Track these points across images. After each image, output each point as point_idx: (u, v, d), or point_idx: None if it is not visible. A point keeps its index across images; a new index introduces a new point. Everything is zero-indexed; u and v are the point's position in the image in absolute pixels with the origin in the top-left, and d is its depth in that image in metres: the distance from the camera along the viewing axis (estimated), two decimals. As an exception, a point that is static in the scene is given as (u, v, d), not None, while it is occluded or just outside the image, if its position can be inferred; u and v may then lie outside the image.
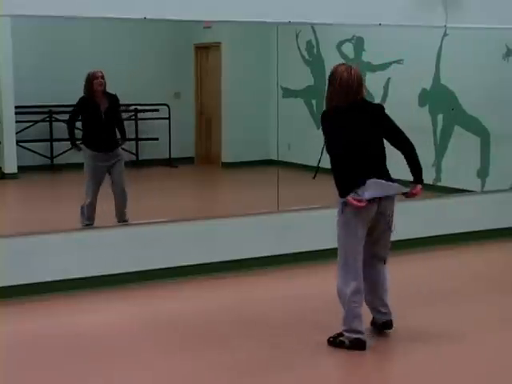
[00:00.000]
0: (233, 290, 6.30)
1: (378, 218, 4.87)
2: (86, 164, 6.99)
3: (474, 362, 4.78)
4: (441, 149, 8.91)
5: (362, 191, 4.72)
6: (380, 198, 4.80)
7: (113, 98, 7.05)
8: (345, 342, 4.89)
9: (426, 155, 8.83)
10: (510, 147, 8.40)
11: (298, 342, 5.06)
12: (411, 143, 4.96)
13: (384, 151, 4.93)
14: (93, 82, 6.86)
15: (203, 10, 6.36)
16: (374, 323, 5.19)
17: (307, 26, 8.63)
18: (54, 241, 6.13)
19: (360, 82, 4.86)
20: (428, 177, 8.63)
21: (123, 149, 7.42)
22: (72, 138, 7.14)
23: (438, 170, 8.88)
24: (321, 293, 6.02)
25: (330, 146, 4.88)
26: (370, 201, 4.74)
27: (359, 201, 4.70)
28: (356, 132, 4.83)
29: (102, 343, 5.09)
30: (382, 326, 5.13)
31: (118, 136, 7.18)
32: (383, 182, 4.81)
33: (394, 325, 5.13)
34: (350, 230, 4.83)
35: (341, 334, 4.93)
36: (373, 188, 4.75)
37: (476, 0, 7.48)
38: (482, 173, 8.57)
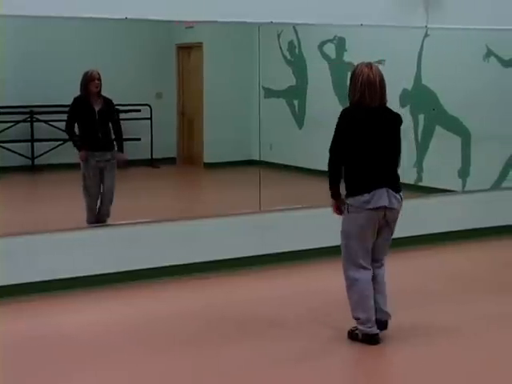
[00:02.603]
0: (216, 290, 6.30)
1: (382, 226, 4.97)
2: (83, 165, 6.97)
3: (463, 360, 4.82)
4: (422, 149, 8.94)
5: (368, 197, 4.82)
6: (385, 207, 4.88)
7: (108, 101, 7.00)
8: (358, 335, 4.99)
9: (407, 155, 8.91)
10: (491, 147, 8.46)
11: (284, 341, 5.07)
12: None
13: (397, 160, 5.03)
14: (89, 82, 6.83)
15: (185, 10, 6.36)
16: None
17: (289, 26, 8.62)
18: (41, 241, 6.13)
19: (383, 85, 4.94)
20: (409, 177, 8.77)
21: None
22: (73, 141, 7.12)
23: (420, 170, 8.92)
24: (305, 292, 6.05)
25: (345, 145, 4.89)
26: (376, 208, 4.85)
27: (340, 211, 4.95)
28: (375, 138, 4.90)
29: (87, 343, 5.10)
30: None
31: (113, 137, 7.15)
32: (390, 192, 4.89)
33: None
34: (353, 229, 4.92)
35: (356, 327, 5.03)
36: (378, 197, 4.84)
37: (457, 1, 7.53)
38: (463, 173, 8.62)
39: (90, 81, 6.84)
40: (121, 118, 9.53)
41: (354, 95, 4.92)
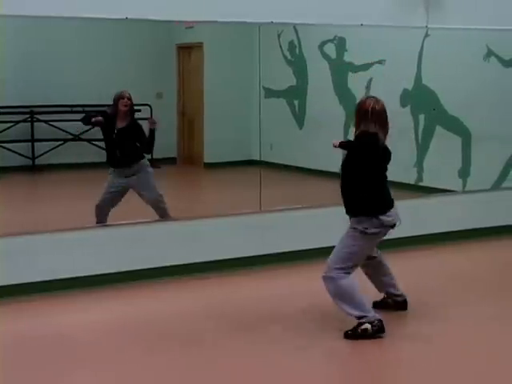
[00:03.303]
0: (216, 290, 6.30)
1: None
2: (109, 178, 6.96)
3: (463, 360, 4.81)
4: (422, 149, 8.94)
5: (390, 213, 5.16)
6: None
7: (134, 124, 6.94)
8: (367, 329, 5.05)
9: (407, 155, 8.92)
10: (491, 147, 8.46)
11: (285, 341, 5.07)
12: None
13: None
14: (119, 100, 6.83)
15: (185, 10, 6.36)
16: (384, 303, 5.63)
17: (289, 26, 8.63)
18: (41, 241, 6.13)
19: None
20: (410, 177, 8.77)
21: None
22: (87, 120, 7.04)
23: (420, 170, 8.92)
24: (305, 292, 6.05)
25: (372, 168, 5.16)
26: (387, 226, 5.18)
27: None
28: (384, 165, 5.24)
29: (87, 343, 5.10)
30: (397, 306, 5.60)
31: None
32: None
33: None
34: (362, 250, 5.21)
35: (358, 325, 5.08)
36: (394, 213, 5.21)
37: (457, 1, 7.52)
38: (464, 173, 8.62)
39: (119, 98, 6.83)
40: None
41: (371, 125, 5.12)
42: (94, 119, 6.83)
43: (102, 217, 6.83)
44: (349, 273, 5.14)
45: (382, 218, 5.12)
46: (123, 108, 6.83)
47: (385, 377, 4.65)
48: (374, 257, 5.49)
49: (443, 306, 5.84)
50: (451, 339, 5.17)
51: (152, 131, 6.98)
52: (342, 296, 5.12)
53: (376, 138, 5.08)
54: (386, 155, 5.20)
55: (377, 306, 5.55)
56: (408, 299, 5.70)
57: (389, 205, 5.19)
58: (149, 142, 7.01)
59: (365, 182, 5.15)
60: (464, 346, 5.07)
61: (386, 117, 5.17)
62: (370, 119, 5.08)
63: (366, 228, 5.11)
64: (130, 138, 6.90)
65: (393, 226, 5.19)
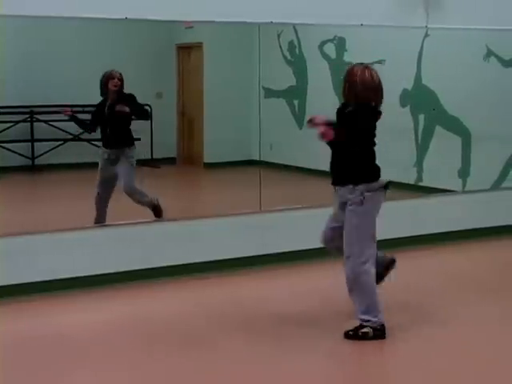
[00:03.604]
0: (216, 290, 6.30)
1: None
2: (99, 162, 7.05)
3: (463, 360, 4.81)
4: (422, 149, 8.94)
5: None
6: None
7: (122, 96, 6.94)
8: (368, 333, 5.01)
9: (407, 155, 8.93)
10: (491, 147, 8.46)
11: (285, 341, 5.07)
12: None
13: None
14: (109, 81, 6.84)
15: (184, 10, 6.36)
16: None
17: (289, 26, 8.62)
18: (41, 241, 6.13)
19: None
20: (410, 177, 8.77)
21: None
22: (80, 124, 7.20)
23: (420, 170, 8.92)
24: (305, 292, 6.05)
25: (365, 134, 5.07)
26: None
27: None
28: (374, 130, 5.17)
29: (87, 343, 5.10)
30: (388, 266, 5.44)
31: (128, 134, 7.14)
32: None
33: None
34: (368, 220, 5.08)
35: (359, 327, 5.04)
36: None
37: (457, 1, 7.52)
38: (463, 173, 8.62)
39: (109, 79, 6.84)
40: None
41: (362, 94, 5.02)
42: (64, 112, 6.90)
43: (101, 209, 6.86)
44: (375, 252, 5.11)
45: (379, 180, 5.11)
46: (113, 88, 6.85)
47: (385, 377, 4.65)
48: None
49: (443, 306, 5.84)
50: (451, 339, 5.17)
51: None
52: (363, 290, 5.04)
53: (370, 109, 5.04)
54: (376, 118, 5.12)
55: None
56: (408, 299, 5.69)
57: (379, 173, 5.16)
58: (140, 108, 7.04)
59: (364, 148, 5.09)
60: (464, 346, 5.07)
61: (376, 86, 5.08)
62: (360, 89, 5.00)
63: (367, 190, 5.02)
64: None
65: (387, 185, 5.12)
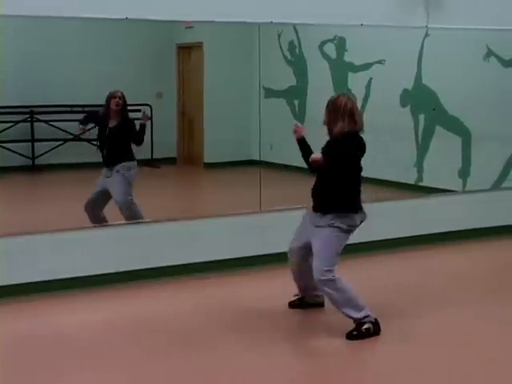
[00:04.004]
0: (216, 290, 6.30)
1: None
2: None
3: (463, 360, 4.81)
4: (422, 149, 8.94)
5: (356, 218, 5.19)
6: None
7: (126, 120, 7.02)
8: (370, 328, 5.10)
9: (407, 155, 8.92)
10: (491, 147, 8.46)
11: (285, 340, 5.07)
12: None
13: None
14: (111, 100, 6.90)
15: (185, 10, 6.36)
16: (303, 302, 5.68)
17: (289, 26, 8.62)
18: (41, 241, 6.13)
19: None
20: (410, 177, 8.77)
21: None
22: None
23: (420, 170, 8.92)
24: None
25: (349, 165, 5.19)
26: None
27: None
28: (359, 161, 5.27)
29: (87, 343, 5.10)
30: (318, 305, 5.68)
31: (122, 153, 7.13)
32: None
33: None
34: (338, 246, 5.20)
35: (360, 325, 5.08)
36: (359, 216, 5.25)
37: (457, 1, 7.52)
38: (464, 173, 8.62)
39: (111, 98, 6.90)
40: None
41: (342, 121, 5.14)
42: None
43: (93, 218, 6.85)
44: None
45: (360, 213, 5.21)
46: (114, 107, 6.91)
47: (384, 377, 4.65)
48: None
49: (443, 306, 5.84)
50: (451, 339, 5.17)
51: (142, 125, 7.08)
52: (346, 300, 5.11)
53: (356, 138, 5.16)
54: (362, 150, 5.24)
55: (295, 306, 5.71)
56: (408, 299, 5.69)
57: (357, 207, 5.26)
58: (138, 134, 7.08)
59: (349, 177, 5.20)
60: (464, 346, 5.07)
61: (356, 113, 5.18)
62: (348, 116, 5.11)
63: (350, 225, 5.16)
64: (120, 136, 6.97)
65: (361, 222, 5.25)
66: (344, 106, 5.12)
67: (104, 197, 6.96)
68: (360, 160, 5.23)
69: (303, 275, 5.49)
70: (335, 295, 5.12)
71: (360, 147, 5.19)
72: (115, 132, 6.95)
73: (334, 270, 5.13)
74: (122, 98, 6.95)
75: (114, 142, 6.97)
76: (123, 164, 6.98)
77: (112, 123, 6.95)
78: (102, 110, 7.02)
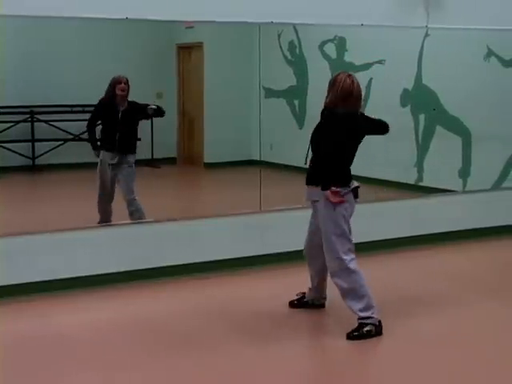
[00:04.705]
0: (216, 290, 6.30)
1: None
2: (99, 164, 7.06)
3: (463, 360, 4.81)
4: (423, 149, 8.94)
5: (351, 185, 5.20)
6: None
7: (133, 104, 7.08)
8: (371, 331, 5.09)
9: (407, 155, 8.92)
10: (491, 147, 8.46)
11: (285, 340, 5.07)
12: None
13: None
14: (116, 85, 6.90)
15: (185, 10, 6.36)
16: (304, 302, 5.69)
17: (289, 26, 8.63)
18: (41, 241, 6.13)
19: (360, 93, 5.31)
20: (410, 177, 8.77)
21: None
22: (93, 143, 7.22)
23: (420, 170, 8.92)
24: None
25: (341, 141, 5.17)
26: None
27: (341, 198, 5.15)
28: (355, 138, 5.24)
29: (87, 343, 5.10)
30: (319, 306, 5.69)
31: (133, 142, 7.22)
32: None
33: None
34: (341, 225, 5.17)
35: (362, 325, 5.08)
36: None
37: (457, 1, 7.52)
38: (464, 173, 8.62)
39: (116, 83, 6.91)
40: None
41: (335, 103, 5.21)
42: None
43: (105, 211, 6.88)
44: (353, 255, 5.18)
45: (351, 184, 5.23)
46: (120, 93, 6.94)
47: (385, 377, 4.65)
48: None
49: (443, 305, 5.84)
50: (451, 339, 5.17)
51: (156, 106, 7.20)
52: (355, 293, 5.11)
53: (356, 118, 5.19)
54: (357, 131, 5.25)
55: (295, 306, 5.72)
56: (408, 299, 5.69)
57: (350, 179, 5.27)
58: (158, 109, 7.17)
59: (348, 152, 5.22)
60: (464, 346, 5.07)
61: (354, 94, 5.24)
62: (341, 92, 5.18)
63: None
64: (134, 118, 7.06)
65: (356, 188, 5.24)
66: (342, 82, 5.20)
67: (112, 186, 7.01)
68: (356, 138, 5.23)
69: (322, 277, 5.58)
70: (345, 287, 5.14)
71: (355, 129, 5.20)
72: (129, 115, 6.99)
73: (348, 256, 5.14)
74: (127, 82, 6.97)
75: (127, 124, 7.01)
76: (131, 157, 7.03)
77: (122, 106, 7.00)
78: (104, 96, 7.01)
